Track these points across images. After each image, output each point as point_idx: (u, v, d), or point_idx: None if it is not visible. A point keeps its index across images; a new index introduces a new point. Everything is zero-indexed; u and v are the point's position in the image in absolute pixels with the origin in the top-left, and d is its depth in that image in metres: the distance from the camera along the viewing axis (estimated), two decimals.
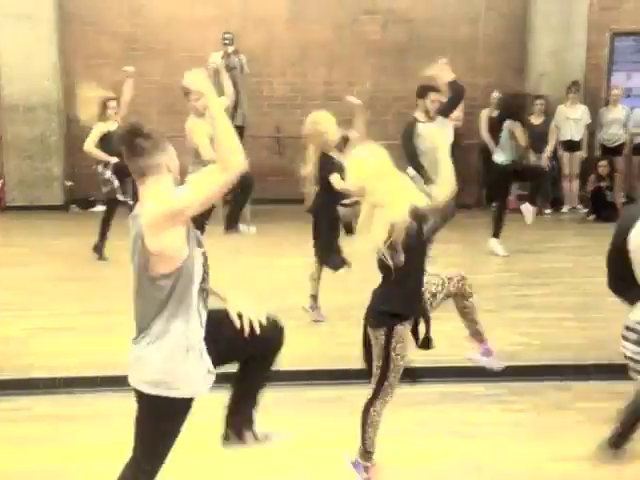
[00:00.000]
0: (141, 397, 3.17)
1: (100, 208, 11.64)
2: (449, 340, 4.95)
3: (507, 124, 8.73)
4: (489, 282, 7.41)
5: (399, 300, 3.81)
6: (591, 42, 11.70)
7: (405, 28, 11.95)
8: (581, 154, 11.47)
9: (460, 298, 4.29)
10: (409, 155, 7.58)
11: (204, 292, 3.21)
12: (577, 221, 11.02)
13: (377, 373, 3.87)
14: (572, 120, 11.28)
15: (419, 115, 7.73)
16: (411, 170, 7.40)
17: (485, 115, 11.44)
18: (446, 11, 11.74)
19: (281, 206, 10.54)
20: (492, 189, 9.93)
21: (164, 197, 3.03)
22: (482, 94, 11.72)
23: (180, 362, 3.12)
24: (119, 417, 4.93)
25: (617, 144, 11.53)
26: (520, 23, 11.76)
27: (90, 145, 8.36)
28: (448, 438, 4.59)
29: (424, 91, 7.78)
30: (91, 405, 5.17)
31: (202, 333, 3.19)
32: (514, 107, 9.11)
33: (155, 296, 3.08)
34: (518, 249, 8.89)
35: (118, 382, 5.40)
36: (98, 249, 8.50)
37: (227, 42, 10.86)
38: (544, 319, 6.41)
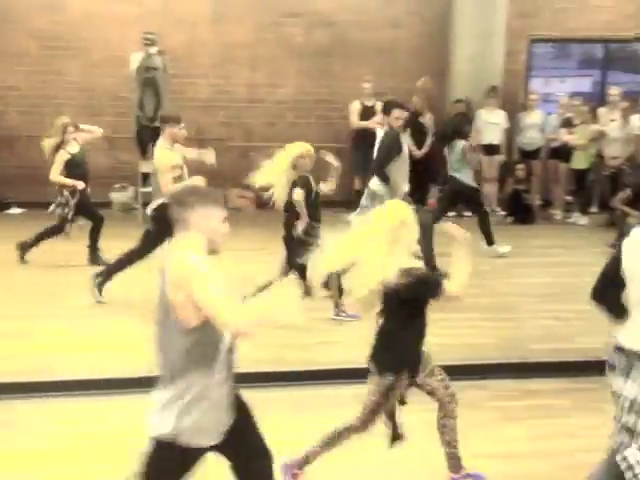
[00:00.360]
0: (157, 444, 3.14)
1: (16, 210, 11.43)
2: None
3: (462, 144, 9.20)
4: None
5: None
6: (510, 48, 11.96)
7: (328, 31, 12.01)
8: (500, 158, 11.70)
9: (443, 411, 4.21)
10: (383, 163, 7.75)
11: (232, 348, 3.20)
12: (495, 223, 11.23)
13: None
14: (491, 124, 11.51)
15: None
16: (374, 183, 7.69)
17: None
18: (369, 15, 11.84)
19: None
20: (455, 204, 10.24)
21: (185, 260, 3.04)
22: (405, 98, 11.83)
23: (200, 414, 3.11)
24: (35, 424, 4.85)
25: (534, 148, 11.82)
26: (442, 28, 11.94)
27: (55, 174, 8.36)
28: (366, 438, 4.62)
29: (389, 107, 7.93)
30: (6, 412, 5.04)
31: (226, 388, 3.18)
32: (462, 127, 9.52)
33: (181, 347, 3.05)
34: (436, 251, 8.99)
35: (34, 389, 5.32)
36: (23, 248, 8.44)
37: (148, 42, 10.71)
38: (458, 319, 6.49)
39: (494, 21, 11.60)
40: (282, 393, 5.47)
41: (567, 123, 11.19)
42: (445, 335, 6.20)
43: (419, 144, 11.02)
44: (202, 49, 11.93)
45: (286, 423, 4.80)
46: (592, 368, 5.10)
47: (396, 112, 7.72)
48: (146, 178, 10.82)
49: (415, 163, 9.34)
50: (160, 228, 6.48)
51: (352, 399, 4.96)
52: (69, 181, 8.37)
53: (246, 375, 5.38)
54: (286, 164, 6.61)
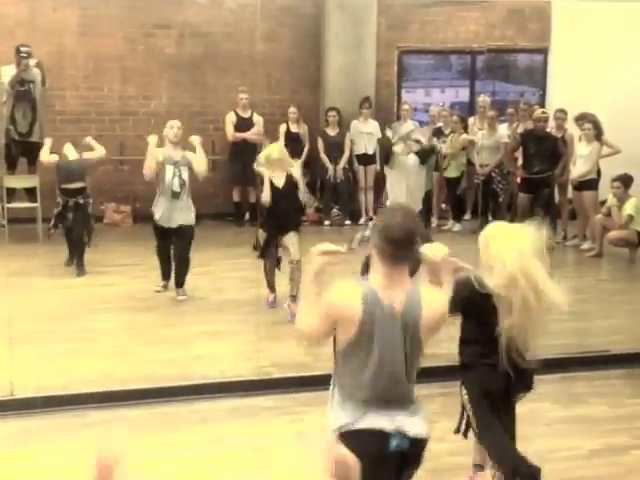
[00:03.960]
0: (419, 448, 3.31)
1: None
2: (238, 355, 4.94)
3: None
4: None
5: None
6: (381, 59, 12.19)
7: (201, 42, 11.92)
8: (375, 167, 11.89)
9: None
10: None
11: None
12: None
13: None
14: (365, 134, 11.69)
15: None
16: None
17: (283, 130, 11.62)
18: (241, 27, 11.81)
19: None
20: None
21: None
22: (280, 109, 11.90)
23: None
24: None
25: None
26: (314, 41, 12.06)
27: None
28: (241, 452, 4.57)
29: None
30: None
31: None
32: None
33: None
34: None
35: None
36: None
37: (25, 55, 10.36)
38: None
39: (365, 33, 11.80)
40: (154, 410, 5.35)
41: (438, 132, 11.46)
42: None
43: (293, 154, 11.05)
44: (71, 61, 11.62)
45: (158, 440, 4.69)
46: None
47: None
48: (11, 194, 10.46)
49: None
50: None
51: (228, 414, 4.92)
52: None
53: (119, 393, 5.32)
54: None
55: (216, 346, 6.29)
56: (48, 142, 9.12)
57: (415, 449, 3.31)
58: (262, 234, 7.28)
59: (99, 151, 9.16)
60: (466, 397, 4.20)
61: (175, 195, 7.61)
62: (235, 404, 5.29)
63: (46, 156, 8.93)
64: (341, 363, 3.26)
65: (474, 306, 3.98)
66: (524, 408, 5.60)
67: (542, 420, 5.39)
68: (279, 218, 7.21)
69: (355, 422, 3.19)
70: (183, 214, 7.68)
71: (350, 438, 2.98)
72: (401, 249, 3.16)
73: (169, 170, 7.66)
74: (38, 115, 10.57)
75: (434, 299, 3.30)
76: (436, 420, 5.24)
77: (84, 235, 8.59)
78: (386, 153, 9.67)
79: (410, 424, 3.26)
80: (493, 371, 4.01)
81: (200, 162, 7.82)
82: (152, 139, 7.86)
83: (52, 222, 8.68)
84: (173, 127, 7.83)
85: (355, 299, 3.11)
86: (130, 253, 9.14)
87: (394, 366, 3.22)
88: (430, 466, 4.61)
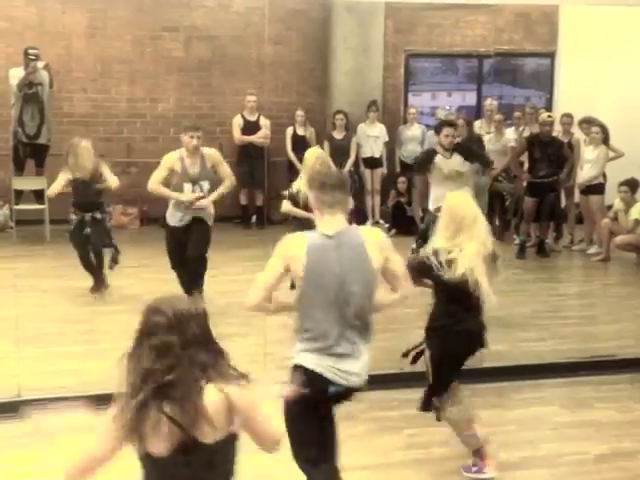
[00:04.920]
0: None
1: None
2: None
3: None
4: None
5: None
6: (388, 63, 12.20)
7: (208, 45, 11.95)
8: (382, 170, 11.90)
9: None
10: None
11: None
12: None
13: None
14: (372, 138, 11.69)
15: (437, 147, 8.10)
16: None
17: (289, 133, 11.64)
18: (249, 30, 11.84)
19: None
20: None
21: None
22: (287, 112, 11.93)
23: None
24: None
25: (415, 161, 12.05)
26: (321, 44, 12.08)
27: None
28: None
29: (439, 126, 8.28)
30: None
31: None
32: None
33: None
34: None
35: None
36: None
37: (33, 57, 10.40)
38: None
39: (372, 36, 11.80)
40: None
41: None
42: None
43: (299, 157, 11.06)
44: (79, 64, 11.65)
45: None
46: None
47: (445, 130, 7.96)
48: (19, 196, 10.50)
49: None
50: None
51: None
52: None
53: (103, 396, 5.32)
54: None
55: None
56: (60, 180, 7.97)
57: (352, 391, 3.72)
58: None
59: (112, 182, 7.95)
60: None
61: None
62: None
63: (58, 186, 7.87)
64: (298, 308, 3.63)
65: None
66: (530, 412, 5.63)
67: (549, 425, 5.39)
68: None
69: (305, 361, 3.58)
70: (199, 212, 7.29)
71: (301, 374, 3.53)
72: (336, 193, 3.61)
73: (187, 188, 7.22)
74: (46, 117, 10.61)
75: (373, 234, 3.79)
76: (438, 425, 5.26)
77: (102, 250, 7.94)
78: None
79: (352, 367, 3.62)
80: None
81: None
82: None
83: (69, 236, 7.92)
84: (194, 137, 7.12)
85: (302, 247, 3.53)
86: (138, 255, 9.16)
87: (340, 303, 3.55)
88: (435, 470, 4.65)
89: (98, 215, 7.86)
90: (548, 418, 5.50)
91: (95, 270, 7.93)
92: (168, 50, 11.86)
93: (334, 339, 3.55)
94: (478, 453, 4.54)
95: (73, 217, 7.85)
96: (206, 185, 7.26)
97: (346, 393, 3.71)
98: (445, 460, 4.74)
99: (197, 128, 7.26)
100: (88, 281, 7.99)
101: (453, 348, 4.44)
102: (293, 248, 3.57)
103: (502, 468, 4.71)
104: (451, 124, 8.20)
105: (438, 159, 7.94)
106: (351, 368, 3.59)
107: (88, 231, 7.78)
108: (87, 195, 7.78)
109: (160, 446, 2.49)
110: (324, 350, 3.56)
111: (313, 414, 3.60)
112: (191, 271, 7.30)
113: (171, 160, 7.20)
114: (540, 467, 4.78)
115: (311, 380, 3.53)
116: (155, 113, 11.93)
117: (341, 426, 4.93)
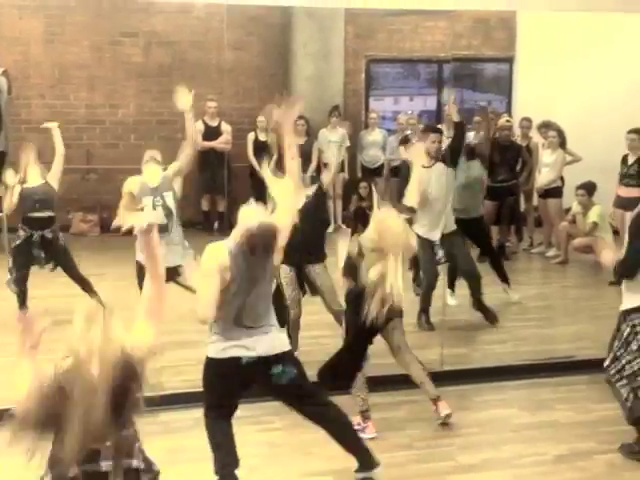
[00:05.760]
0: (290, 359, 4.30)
1: None
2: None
3: None
4: None
5: None
6: (348, 68, 12.24)
7: (168, 51, 11.90)
8: (343, 175, 11.93)
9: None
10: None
11: None
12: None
13: None
14: (333, 143, 11.72)
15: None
16: None
17: (251, 139, 11.63)
18: (209, 36, 11.81)
19: None
20: None
21: None
22: (248, 118, 11.91)
23: None
24: None
25: (376, 165, 12.13)
26: (282, 50, 12.09)
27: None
28: (204, 464, 4.54)
29: (424, 132, 7.75)
30: None
31: None
32: None
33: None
34: None
35: None
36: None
37: None
38: (302, 337, 6.52)
39: (332, 42, 11.85)
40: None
41: (405, 140, 11.51)
42: None
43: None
44: (36, 70, 11.54)
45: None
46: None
47: (432, 136, 7.37)
48: None
49: None
50: None
51: (193, 423, 4.90)
52: None
53: None
54: None
55: (179, 356, 6.22)
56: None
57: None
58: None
59: (59, 153, 7.99)
60: None
61: (163, 229, 5.99)
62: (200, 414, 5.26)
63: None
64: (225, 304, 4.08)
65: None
66: (491, 415, 5.68)
67: (509, 427, 5.45)
68: None
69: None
70: (178, 253, 6.36)
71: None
72: None
73: (147, 202, 6.53)
74: (3, 124, 10.45)
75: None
76: (402, 427, 5.29)
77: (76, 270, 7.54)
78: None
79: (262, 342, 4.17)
80: None
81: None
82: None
83: (10, 262, 7.44)
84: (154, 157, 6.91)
85: (224, 252, 4.07)
86: (97, 263, 9.06)
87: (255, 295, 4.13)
88: (398, 473, 4.67)
89: (49, 234, 7.51)
90: (509, 420, 5.56)
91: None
92: (127, 56, 11.79)
93: None
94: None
95: (20, 233, 7.52)
96: (169, 198, 6.69)
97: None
98: (406, 464, 4.76)
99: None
100: (45, 291, 7.87)
101: None
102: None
103: (464, 470, 4.75)
104: (436, 130, 7.67)
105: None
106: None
107: (35, 254, 7.46)
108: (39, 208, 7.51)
109: None
110: None
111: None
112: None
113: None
114: (501, 469, 4.82)
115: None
116: (115, 119, 11.84)
117: (298, 433, 4.96)
